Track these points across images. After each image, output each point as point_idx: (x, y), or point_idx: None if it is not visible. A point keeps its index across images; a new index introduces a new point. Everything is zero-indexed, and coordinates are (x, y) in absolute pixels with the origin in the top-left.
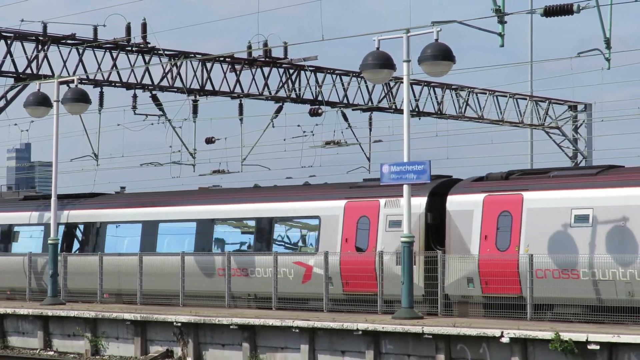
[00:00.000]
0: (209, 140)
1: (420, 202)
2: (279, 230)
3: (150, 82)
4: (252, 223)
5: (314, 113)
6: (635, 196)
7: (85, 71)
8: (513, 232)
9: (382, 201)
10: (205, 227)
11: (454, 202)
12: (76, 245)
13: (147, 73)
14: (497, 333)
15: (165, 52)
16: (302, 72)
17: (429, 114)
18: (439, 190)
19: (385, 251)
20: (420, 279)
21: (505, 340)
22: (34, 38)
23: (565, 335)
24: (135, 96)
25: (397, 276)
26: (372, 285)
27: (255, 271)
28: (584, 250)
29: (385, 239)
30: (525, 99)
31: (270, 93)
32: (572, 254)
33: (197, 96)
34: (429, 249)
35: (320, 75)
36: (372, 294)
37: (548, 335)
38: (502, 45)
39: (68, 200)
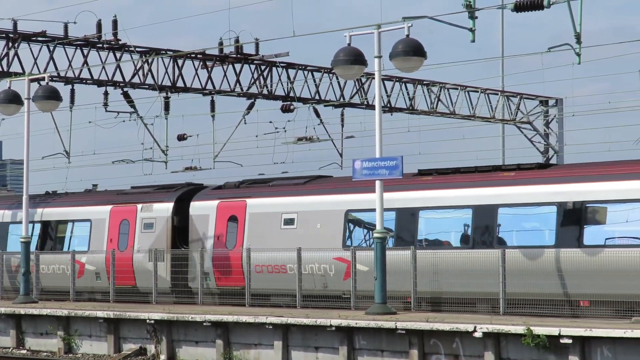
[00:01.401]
0: (181, 137)
1: (168, 207)
2: (63, 231)
3: (121, 79)
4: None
5: (285, 109)
6: (327, 202)
7: (56, 68)
8: (239, 233)
9: (139, 206)
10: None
11: (195, 207)
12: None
13: (118, 70)
14: (470, 328)
15: (137, 49)
16: (274, 69)
17: (400, 110)
18: (186, 196)
19: (141, 250)
20: (167, 273)
21: (478, 334)
22: (4, 35)
23: (537, 330)
24: (106, 93)
25: (150, 272)
26: (131, 279)
27: None
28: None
29: (141, 238)
30: (497, 94)
31: (242, 89)
32: (281, 252)
33: (169, 93)
34: (175, 247)
35: (292, 72)
36: (131, 287)
37: (520, 329)
38: (473, 41)
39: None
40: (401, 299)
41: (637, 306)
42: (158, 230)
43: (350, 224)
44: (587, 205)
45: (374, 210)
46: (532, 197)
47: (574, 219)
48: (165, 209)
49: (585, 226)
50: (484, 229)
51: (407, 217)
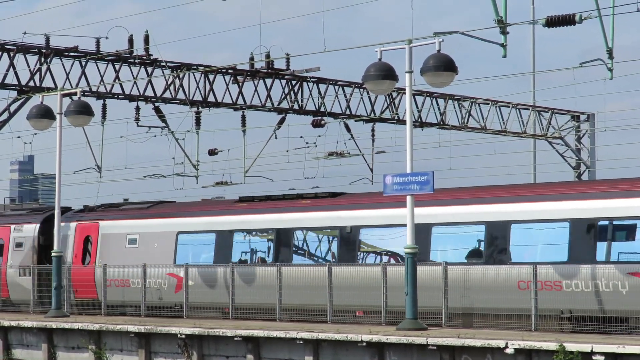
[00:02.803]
0: (212, 152)
1: (35, 227)
2: None
3: (152, 94)
4: None
5: (316, 124)
6: (162, 225)
7: (88, 83)
8: (92, 251)
9: (12, 227)
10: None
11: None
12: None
13: (149, 85)
14: (501, 344)
15: (168, 64)
16: (305, 83)
17: (431, 125)
18: (51, 218)
19: (12, 265)
20: (34, 289)
21: (509, 351)
22: (36, 50)
23: (570, 346)
24: (138, 108)
25: (21, 285)
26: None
27: None
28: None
29: (14, 255)
30: (528, 109)
31: (272, 104)
32: (126, 268)
33: (200, 108)
34: (41, 263)
35: (322, 87)
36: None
37: (552, 346)
38: (505, 56)
39: None
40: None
41: None
42: (26, 248)
43: (180, 244)
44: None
45: (201, 232)
46: (322, 222)
47: (349, 242)
48: (32, 228)
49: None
50: (285, 248)
51: (225, 237)
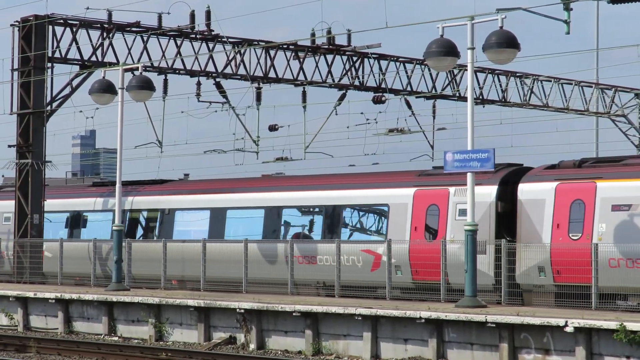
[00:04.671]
0: (272, 128)
1: (490, 191)
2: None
3: (214, 70)
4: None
5: (377, 100)
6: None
7: (150, 59)
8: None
9: (452, 189)
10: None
11: (525, 190)
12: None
13: (210, 60)
14: (561, 322)
15: (229, 40)
16: (366, 60)
17: (493, 102)
18: (510, 178)
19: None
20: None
21: (569, 329)
22: (99, 26)
23: (630, 326)
24: (199, 83)
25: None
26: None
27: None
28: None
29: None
30: (591, 87)
31: (333, 80)
32: None
33: (261, 83)
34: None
35: (383, 63)
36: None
37: (613, 325)
38: (568, 33)
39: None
40: None
41: None
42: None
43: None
44: None
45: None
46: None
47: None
48: (487, 193)
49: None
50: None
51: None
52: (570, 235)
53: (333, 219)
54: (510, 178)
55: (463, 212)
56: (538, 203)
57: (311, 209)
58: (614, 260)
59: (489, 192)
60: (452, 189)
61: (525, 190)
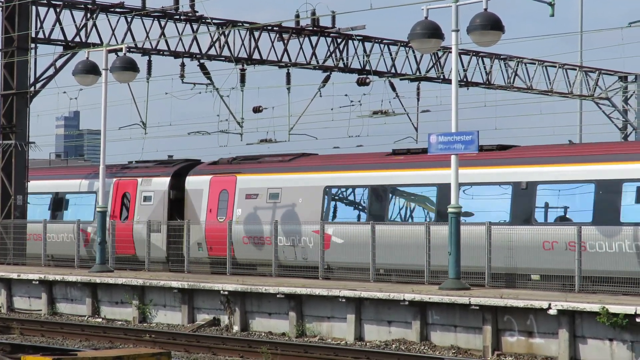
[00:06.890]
0: (257, 109)
1: (164, 181)
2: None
3: (198, 51)
4: None
5: (361, 82)
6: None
7: (134, 39)
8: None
9: (139, 180)
10: None
11: (190, 181)
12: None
13: (195, 42)
14: (544, 305)
15: (213, 21)
16: (350, 42)
17: (477, 84)
18: (183, 171)
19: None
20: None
21: (552, 312)
22: (82, 6)
23: (613, 309)
24: (183, 65)
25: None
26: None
27: None
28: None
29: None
30: (575, 70)
31: (317, 62)
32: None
33: (245, 65)
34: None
35: (368, 45)
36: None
37: (596, 307)
38: (552, 15)
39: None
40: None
41: None
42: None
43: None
44: None
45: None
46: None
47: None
48: (162, 182)
49: None
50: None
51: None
52: (218, 218)
53: None
54: (183, 171)
55: (147, 199)
56: (198, 192)
57: None
58: (247, 238)
59: (163, 182)
60: (139, 179)
61: (190, 181)
